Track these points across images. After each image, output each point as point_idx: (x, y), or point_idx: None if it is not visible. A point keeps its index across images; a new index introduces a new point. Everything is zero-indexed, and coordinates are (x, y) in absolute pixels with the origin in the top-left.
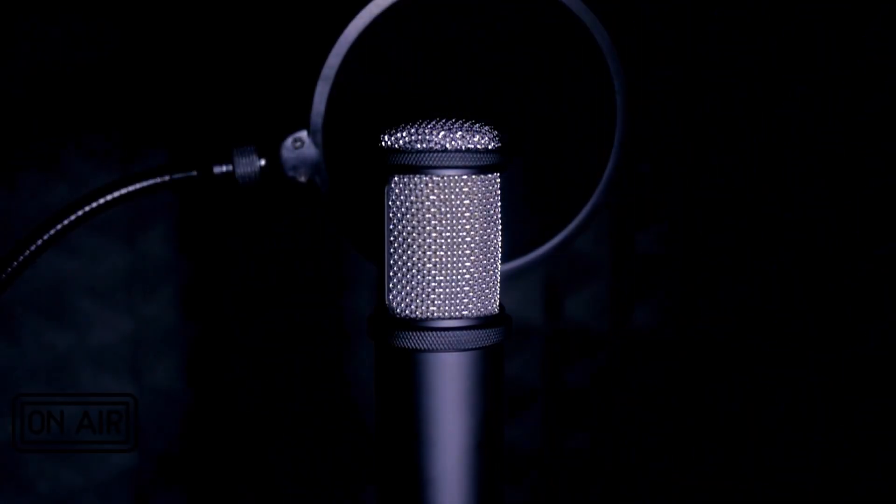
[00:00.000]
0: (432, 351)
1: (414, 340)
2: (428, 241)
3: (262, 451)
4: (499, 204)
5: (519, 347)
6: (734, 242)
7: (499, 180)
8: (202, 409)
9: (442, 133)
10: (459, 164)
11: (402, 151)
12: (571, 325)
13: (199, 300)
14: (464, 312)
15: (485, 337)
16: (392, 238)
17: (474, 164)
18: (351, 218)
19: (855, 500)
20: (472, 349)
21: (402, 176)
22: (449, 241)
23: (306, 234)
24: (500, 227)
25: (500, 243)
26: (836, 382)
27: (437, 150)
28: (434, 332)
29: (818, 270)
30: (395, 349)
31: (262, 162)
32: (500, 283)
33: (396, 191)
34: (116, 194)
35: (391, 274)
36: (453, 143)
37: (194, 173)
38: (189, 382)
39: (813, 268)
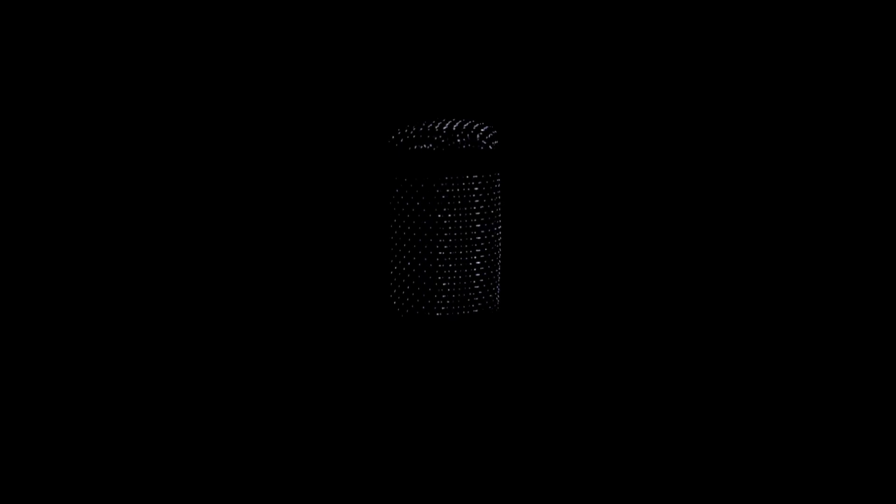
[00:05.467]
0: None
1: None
2: (440, 240)
3: (262, 451)
4: (500, 202)
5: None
6: (733, 242)
7: (499, 179)
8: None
9: (449, 134)
10: (467, 164)
11: (410, 153)
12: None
13: (198, 298)
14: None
15: None
16: (400, 237)
17: (480, 164)
18: (351, 217)
19: (855, 500)
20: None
21: (411, 177)
22: (460, 240)
23: (306, 233)
24: (500, 225)
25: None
26: (835, 383)
27: (445, 152)
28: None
29: (817, 270)
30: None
31: None
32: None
33: (405, 192)
34: None
35: (397, 273)
36: (461, 143)
37: None
38: (188, 381)
39: (812, 267)
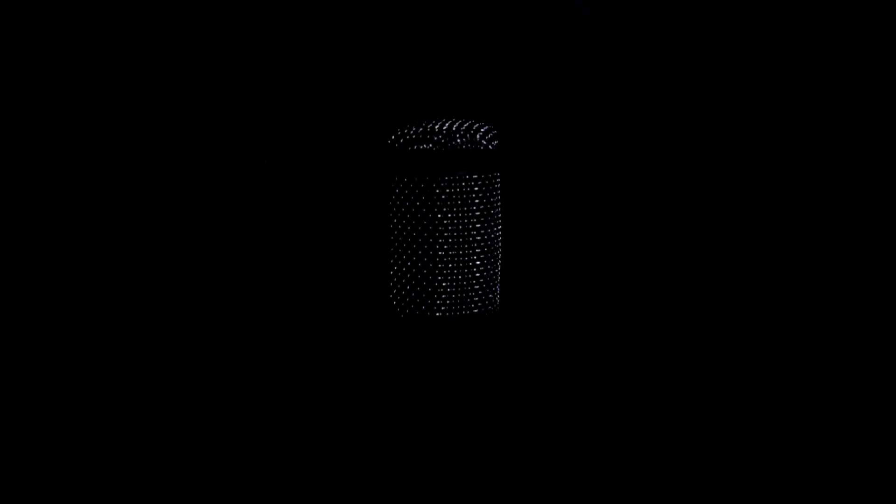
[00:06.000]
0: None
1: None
2: (440, 240)
3: (263, 451)
4: (499, 202)
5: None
6: (733, 242)
7: (499, 179)
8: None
9: (448, 134)
10: (467, 164)
11: (410, 153)
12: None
13: (199, 298)
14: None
15: None
16: (400, 237)
17: (480, 164)
18: (351, 217)
19: (855, 500)
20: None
21: (410, 177)
22: (460, 240)
23: (306, 233)
24: (500, 226)
25: (500, 241)
26: (835, 382)
27: (445, 151)
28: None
29: (816, 270)
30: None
31: None
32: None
33: (405, 192)
34: None
35: (397, 273)
36: (460, 143)
37: None
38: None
39: (811, 267)
